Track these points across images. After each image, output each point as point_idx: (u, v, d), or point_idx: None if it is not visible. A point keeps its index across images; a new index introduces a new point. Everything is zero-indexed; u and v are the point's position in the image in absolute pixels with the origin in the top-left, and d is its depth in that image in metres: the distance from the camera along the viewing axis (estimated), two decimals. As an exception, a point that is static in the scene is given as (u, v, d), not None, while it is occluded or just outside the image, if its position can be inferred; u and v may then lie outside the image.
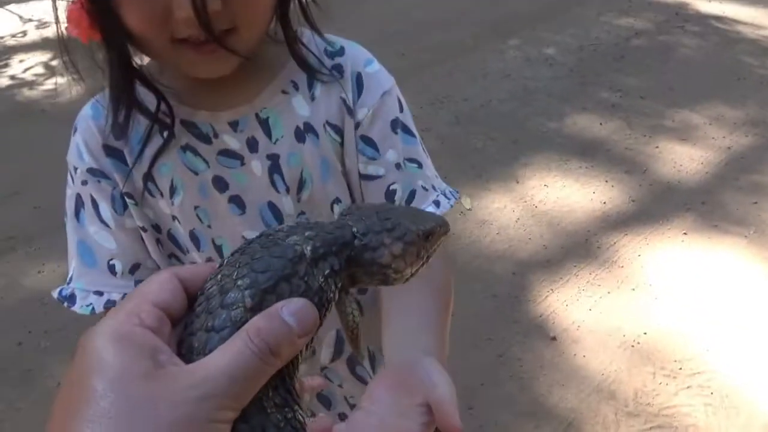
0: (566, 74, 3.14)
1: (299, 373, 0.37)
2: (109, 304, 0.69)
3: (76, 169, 0.70)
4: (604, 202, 2.35)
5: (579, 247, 2.15)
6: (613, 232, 2.22)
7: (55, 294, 0.74)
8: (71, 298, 0.71)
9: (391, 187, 0.70)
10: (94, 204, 0.69)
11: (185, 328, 0.34)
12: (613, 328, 1.85)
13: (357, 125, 0.70)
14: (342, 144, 0.70)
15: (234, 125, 0.67)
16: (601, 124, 2.78)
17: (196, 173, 0.68)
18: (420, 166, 0.72)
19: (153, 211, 0.70)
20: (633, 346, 1.81)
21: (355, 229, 0.39)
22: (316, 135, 0.69)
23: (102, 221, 0.69)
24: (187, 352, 0.33)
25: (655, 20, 3.71)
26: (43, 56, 3.74)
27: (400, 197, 0.70)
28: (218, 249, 0.70)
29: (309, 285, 0.35)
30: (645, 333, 1.84)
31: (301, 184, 0.69)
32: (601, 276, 2.03)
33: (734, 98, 2.96)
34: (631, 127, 2.77)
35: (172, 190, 0.68)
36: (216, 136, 0.67)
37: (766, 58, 3.28)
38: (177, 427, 0.29)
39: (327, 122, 0.70)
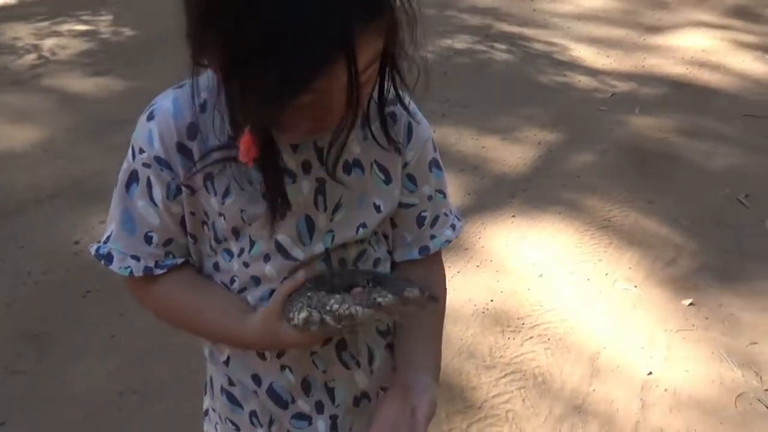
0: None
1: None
2: (148, 271, 0.80)
3: (141, 151, 0.77)
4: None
5: (429, 237, 2.42)
6: (456, 221, 2.52)
7: (92, 250, 0.81)
8: (108, 257, 0.80)
9: (422, 214, 0.87)
10: (149, 185, 0.78)
11: None
12: (465, 300, 2.13)
13: (405, 165, 0.83)
14: (386, 182, 0.82)
15: (294, 147, 0.76)
16: (434, 131, 3.09)
17: (251, 182, 0.75)
18: (445, 196, 0.89)
19: (205, 202, 0.78)
20: (483, 312, 2.09)
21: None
22: (362, 170, 0.80)
23: (152, 200, 0.78)
24: None
25: (469, 41, 4.23)
26: None
27: (428, 221, 0.87)
28: (252, 244, 0.79)
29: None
30: (491, 300, 2.14)
31: (337, 207, 0.80)
32: (450, 259, 2.31)
33: (539, 102, 3.49)
34: (459, 132, 3.15)
35: (226, 192, 0.76)
36: (282, 169, 0.75)
37: (559, 69, 3.90)
38: None
39: (375, 161, 0.81)
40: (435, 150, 0.88)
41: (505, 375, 1.86)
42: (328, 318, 0.72)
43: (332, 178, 0.76)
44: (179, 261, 0.82)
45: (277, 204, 0.73)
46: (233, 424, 0.89)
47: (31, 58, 3.88)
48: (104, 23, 4.44)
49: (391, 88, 0.75)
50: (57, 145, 2.99)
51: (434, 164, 0.88)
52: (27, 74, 3.68)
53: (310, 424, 0.86)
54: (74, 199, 2.60)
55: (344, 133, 0.69)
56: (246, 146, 0.66)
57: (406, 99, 0.81)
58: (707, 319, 2.11)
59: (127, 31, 4.29)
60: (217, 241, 0.80)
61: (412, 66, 0.74)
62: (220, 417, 0.91)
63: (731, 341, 2.02)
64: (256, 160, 0.68)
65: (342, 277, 0.79)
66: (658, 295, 2.20)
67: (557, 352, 1.95)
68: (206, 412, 0.95)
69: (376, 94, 0.75)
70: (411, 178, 0.85)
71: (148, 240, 0.79)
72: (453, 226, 0.91)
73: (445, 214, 0.89)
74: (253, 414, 0.87)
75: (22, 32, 4.24)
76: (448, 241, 0.90)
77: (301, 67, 0.59)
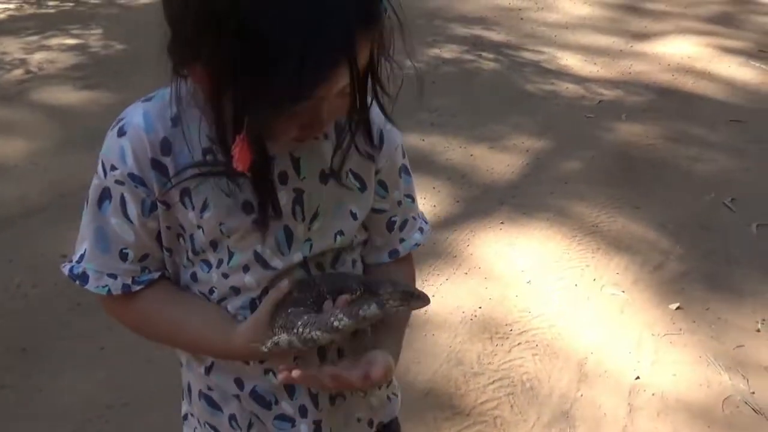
0: (388, 100, 3.48)
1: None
2: (126, 288, 0.79)
3: (114, 168, 0.76)
4: (434, 206, 2.68)
5: (418, 245, 2.43)
6: (444, 229, 2.53)
7: (65, 271, 0.80)
8: (83, 277, 0.79)
9: (392, 219, 0.90)
10: (123, 202, 0.77)
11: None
12: (454, 308, 2.14)
13: (376, 172, 0.85)
14: (361, 189, 0.83)
15: (271, 159, 0.75)
16: (423, 140, 3.15)
17: (228, 195, 0.75)
18: (413, 200, 0.92)
19: (182, 216, 0.78)
20: (471, 319, 2.10)
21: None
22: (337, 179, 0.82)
23: (127, 217, 0.77)
24: None
25: (457, 51, 4.27)
26: None
27: (397, 226, 0.90)
28: (231, 255, 0.79)
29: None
30: (480, 307, 2.15)
31: (314, 217, 0.81)
32: (439, 266, 2.32)
33: (526, 111, 3.51)
34: (447, 140, 3.18)
35: (204, 206, 0.76)
36: (272, 177, 0.76)
37: (546, 77, 3.94)
38: None
39: (351, 170, 0.82)
40: (404, 156, 0.91)
41: (493, 381, 1.87)
42: (294, 340, 0.73)
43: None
44: (156, 275, 0.82)
45: (268, 211, 0.74)
46: (212, 427, 0.89)
47: (19, 72, 3.88)
48: (94, 37, 4.45)
49: (370, 95, 0.75)
50: (46, 159, 2.99)
51: (404, 170, 0.90)
52: (16, 88, 3.68)
53: (293, 426, 0.87)
54: (62, 212, 2.59)
55: (349, 137, 0.72)
56: (241, 154, 0.66)
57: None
58: (694, 322, 2.12)
59: (117, 45, 4.30)
60: (195, 252, 0.80)
61: (395, 74, 0.75)
62: (199, 421, 0.91)
63: (718, 345, 2.04)
64: (249, 168, 0.67)
65: (331, 282, 0.80)
66: (645, 300, 2.21)
67: (545, 358, 1.96)
68: (185, 417, 0.95)
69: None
70: (382, 184, 0.88)
71: (123, 257, 0.79)
72: (421, 230, 0.94)
73: (414, 218, 0.93)
74: (232, 417, 0.88)
75: (11, 47, 4.25)
76: (417, 245, 0.93)
77: (307, 73, 0.61)
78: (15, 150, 3.06)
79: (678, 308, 2.17)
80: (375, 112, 0.83)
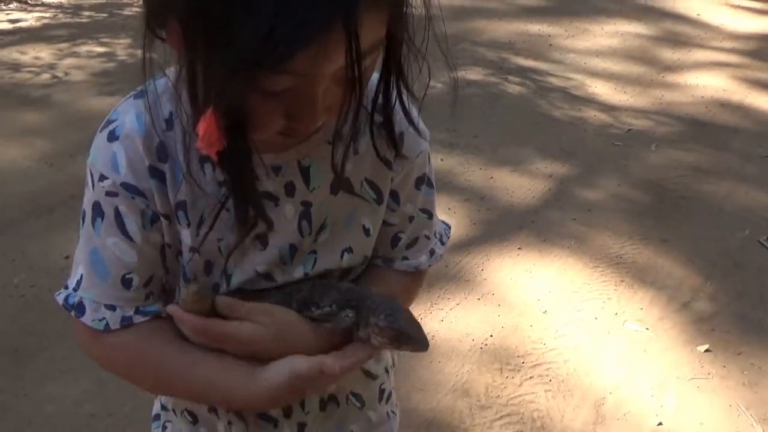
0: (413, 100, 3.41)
1: None
2: (126, 321, 0.67)
3: (103, 177, 0.65)
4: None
5: (429, 266, 2.31)
6: (458, 251, 2.41)
7: (60, 300, 0.69)
8: (79, 308, 0.68)
9: (398, 235, 0.78)
10: (118, 216, 0.66)
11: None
12: (463, 335, 2.00)
13: (391, 180, 0.74)
14: (378, 201, 0.73)
15: (276, 170, 0.67)
16: (442, 160, 3.05)
17: (228, 210, 0.65)
18: (430, 216, 0.80)
19: (177, 235, 0.69)
20: (481, 348, 1.96)
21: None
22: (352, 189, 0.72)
23: (126, 235, 0.66)
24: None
25: (482, 73, 4.19)
26: None
27: (403, 243, 0.79)
28: (228, 278, 0.70)
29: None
30: (491, 336, 2.01)
31: (321, 228, 0.72)
32: (450, 290, 2.19)
33: (551, 135, 3.40)
34: (468, 161, 3.07)
35: (200, 221, 0.67)
36: (256, 177, 0.65)
37: (573, 103, 3.82)
38: None
39: (366, 179, 0.72)
40: (429, 164, 0.78)
41: (501, 417, 1.72)
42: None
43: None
44: (160, 305, 0.71)
45: (248, 219, 0.62)
46: (191, 415, 0.79)
47: (47, 76, 3.92)
48: (121, 45, 4.49)
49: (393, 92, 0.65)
50: (61, 160, 2.96)
51: (425, 181, 0.78)
52: (42, 92, 3.71)
53: (276, 426, 0.78)
54: (70, 214, 2.55)
55: (347, 124, 0.59)
56: (207, 132, 0.53)
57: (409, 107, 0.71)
58: (725, 367, 1.95)
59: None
60: (186, 279, 0.70)
61: (422, 68, 0.64)
62: (174, 411, 0.81)
63: (751, 393, 1.86)
64: (220, 154, 0.55)
65: (310, 292, 0.71)
66: (671, 339, 2.05)
67: (559, 394, 1.81)
68: (156, 417, 0.86)
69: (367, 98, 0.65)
70: (394, 194, 0.76)
71: (126, 284, 0.67)
72: (432, 252, 0.81)
73: (426, 237, 0.80)
74: (212, 408, 0.78)
75: (43, 52, 4.30)
76: (417, 268, 0.80)
77: (282, 34, 0.48)
78: (32, 150, 3.04)
79: (707, 350, 2.01)
80: (398, 113, 0.70)
